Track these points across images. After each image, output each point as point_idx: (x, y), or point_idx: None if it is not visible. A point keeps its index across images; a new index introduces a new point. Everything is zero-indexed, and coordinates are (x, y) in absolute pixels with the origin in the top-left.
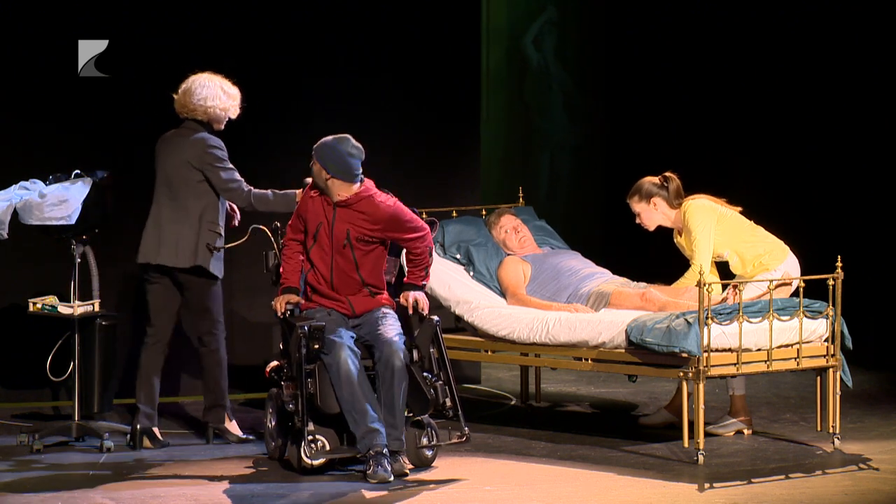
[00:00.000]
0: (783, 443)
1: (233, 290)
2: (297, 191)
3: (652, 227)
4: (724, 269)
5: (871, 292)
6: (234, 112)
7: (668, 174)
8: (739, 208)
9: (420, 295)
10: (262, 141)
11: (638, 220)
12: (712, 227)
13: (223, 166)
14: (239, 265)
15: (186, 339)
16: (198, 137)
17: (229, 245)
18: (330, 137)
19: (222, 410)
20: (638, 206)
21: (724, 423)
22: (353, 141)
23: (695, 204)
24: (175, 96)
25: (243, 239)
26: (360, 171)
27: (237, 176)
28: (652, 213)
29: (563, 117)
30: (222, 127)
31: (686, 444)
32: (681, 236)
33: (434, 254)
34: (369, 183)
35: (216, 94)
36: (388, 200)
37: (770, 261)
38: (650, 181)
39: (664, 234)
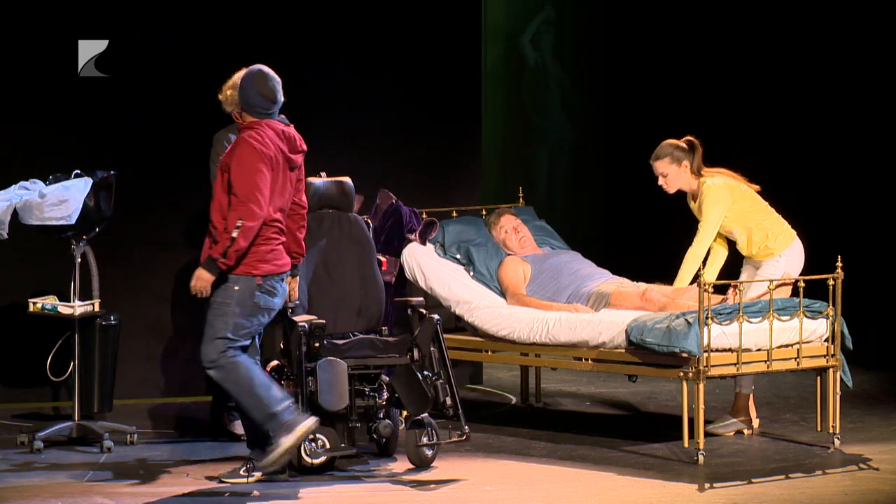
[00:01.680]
0: (783, 443)
1: None
2: None
3: (673, 190)
4: (733, 248)
5: (871, 292)
6: (229, 104)
7: (691, 139)
8: (757, 187)
9: (198, 274)
10: None
11: (660, 182)
12: (722, 214)
13: (215, 164)
14: None
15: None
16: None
17: None
18: (259, 68)
19: (224, 407)
20: (668, 167)
21: (724, 423)
22: (272, 82)
23: (714, 185)
24: None
25: None
26: (268, 111)
27: None
28: (680, 176)
29: (562, 116)
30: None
31: (686, 444)
32: (695, 202)
33: (434, 253)
34: (279, 125)
35: None
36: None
37: (776, 245)
38: (676, 144)
39: (664, 233)
